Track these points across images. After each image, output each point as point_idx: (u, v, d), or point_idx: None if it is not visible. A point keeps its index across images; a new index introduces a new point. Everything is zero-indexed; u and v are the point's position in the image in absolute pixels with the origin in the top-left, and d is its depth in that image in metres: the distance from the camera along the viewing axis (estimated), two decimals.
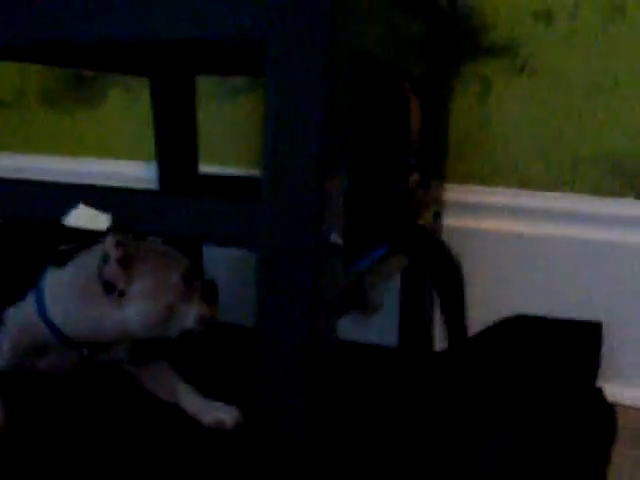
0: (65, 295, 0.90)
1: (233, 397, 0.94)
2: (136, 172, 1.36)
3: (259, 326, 0.65)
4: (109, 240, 0.81)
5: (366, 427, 0.92)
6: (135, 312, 0.86)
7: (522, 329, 1.14)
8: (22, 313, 0.92)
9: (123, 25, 0.66)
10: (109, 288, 0.85)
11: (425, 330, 1.13)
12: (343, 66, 0.62)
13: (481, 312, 1.18)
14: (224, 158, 1.34)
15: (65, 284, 0.90)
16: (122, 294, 0.85)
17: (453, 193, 1.17)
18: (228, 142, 1.34)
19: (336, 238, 0.63)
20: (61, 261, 0.90)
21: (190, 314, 0.88)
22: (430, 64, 0.99)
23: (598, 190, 1.14)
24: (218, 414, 0.90)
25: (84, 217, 0.71)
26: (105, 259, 0.82)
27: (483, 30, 1.15)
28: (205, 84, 1.30)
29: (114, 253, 0.82)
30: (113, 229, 0.86)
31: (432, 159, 1.04)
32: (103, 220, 0.71)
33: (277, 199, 0.62)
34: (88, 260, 0.86)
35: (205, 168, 1.30)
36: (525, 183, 1.17)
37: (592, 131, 1.14)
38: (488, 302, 1.18)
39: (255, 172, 1.30)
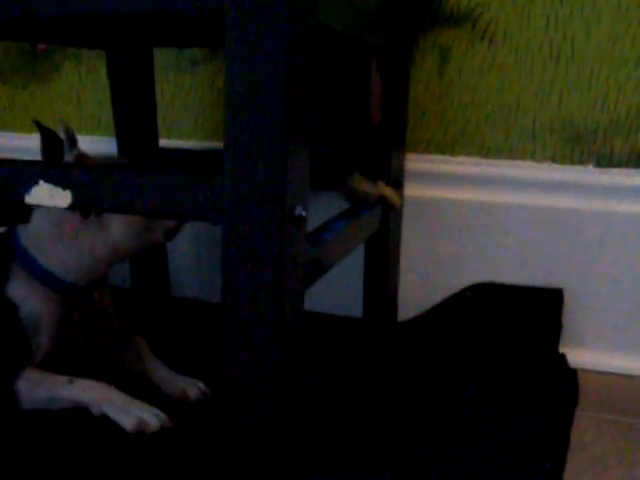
0: (48, 242, 0.92)
1: (201, 372, 0.95)
2: (95, 147, 1.34)
3: (225, 300, 0.65)
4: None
5: (330, 399, 0.93)
6: (117, 223, 0.90)
7: (484, 297, 1.16)
8: (22, 285, 0.92)
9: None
10: (86, 213, 0.89)
11: (389, 300, 1.14)
12: (303, 37, 0.62)
13: (443, 281, 1.19)
14: (183, 131, 1.33)
15: (43, 232, 0.92)
16: (99, 212, 0.89)
17: (414, 163, 1.17)
18: (187, 115, 1.32)
19: (300, 211, 0.63)
20: (25, 217, 0.92)
21: (159, 222, 0.93)
22: (390, 34, 0.98)
23: (558, 158, 1.15)
24: (183, 386, 0.92)
25: (45, 195, 0.70)
26: None
27: None
28: (163, 56, 1.29)
29: None
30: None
31: (393, 129, 1.04)
32: (64, 197, 0.70)
33: (240, 172, 0.61)
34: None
35: (164, 142, 1.29)
36: (486, 152, 1.18)
37: (552, 99, 1.14)
38: (450, 271, 1.19)
39: (214, 144, 1.30)
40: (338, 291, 1.22)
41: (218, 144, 1.30)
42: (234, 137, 0.61)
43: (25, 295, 0.92)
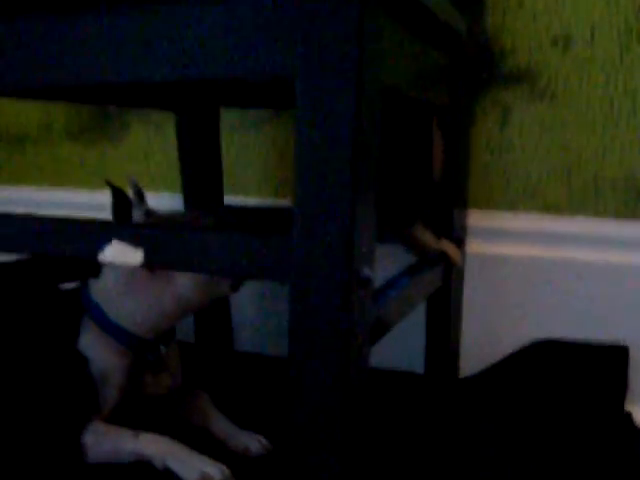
0: (117, 295, 0.94)
1: (263, 427, 0.96)
2: (162, 204, 1.37)
3: (292, 359, 0.66)
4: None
5: (394, 456, 0.93)
6: (184, 276, 0.92)
7: (548, 354, 1.14)
8: (93, 339, 0.95)
9: (157, 66, 0.68)
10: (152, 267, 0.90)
11: (451, 356, 1.14)
12: (370, 100, 0.63)
13: (506, 337, 1.19)
14: (247, 188, 1.36)
15: (113, 286, 0.95)
16: None
17: (476, 219, 1.18)
18: (250, 172, 1.35)
19: (367, 272, 0.64)
20: (96, 271, 0.95)
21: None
22: (451, 93, 1.00)
23: (620, 213, 1.15)
24: (245, 441, 0.92)
25: (117, 253, 0.73)
26: None
27: (502, 57, 1.17)
28: (228, 115, 1.32)
29: None
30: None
31: (455, 186, 1.05)
32: (135, 255, 0.72)
33: (308, 234, 0.63)
34: None
35: (229, 198, 1.32)
36: (547, 208, 1.18)
37: (613, 154, 1.14)
38: (513, 327, 1.19)
39: (278, 202, 1.32)
40: (400, 346, 1.22)
41: (281, 201, 1.32)
42: (302, 199, 0.63)
43: (95, 349, 0.94)
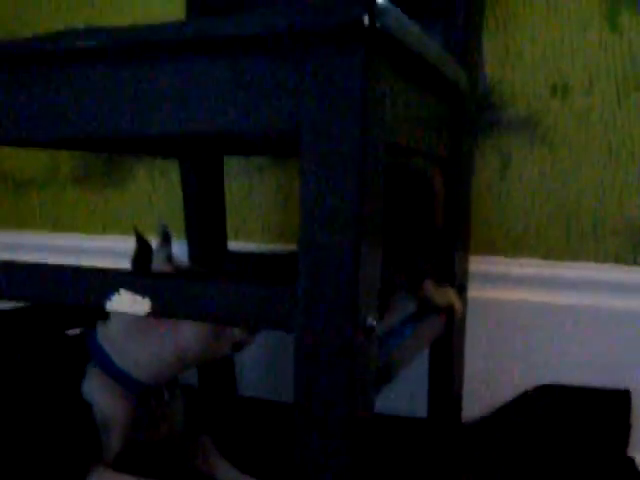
0: (123, 341, 0.95)
1: (269, 473, 0.96)
2: None
3: (297, 406, 0.67)
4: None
5: None
6: (189, 328, 0.92)
7: (550, 399, 1.15)
8: (97, 384, 0.95)
9: (162, 121, 0.69)
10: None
11: (454, 401, 1.14)
12: (374, 155, 0.65)
13: (507, 381, 1.19)
14: (249, 233, 1.37)
15: (119, 332, 0.95)
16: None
17: (477, 264, 1.19)
18: (253, 218, 1.36)
19: (372, 322, 0.65)
20: (104, 315, 0.96)
21: (231, 331, 0.95)
22: (452, 143, 1.02)
23: (621, 259, 1.16)
24: None
25: (125, 302, 0.74)
26: None
27: (502, 106, 1.19)
28: (231, 161, 1.34)
29: None
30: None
31: (456, 232, 1.06)
32: (143, 304, 0.73)
33: (313, 284, 0.64)
34: None
35: (232, 243, 1.33)
36: (548, 253, 1.19)
37: (612, 200, 1.16)
38: (514, 373, 1.19)
39: (281, 247, 1.33)
40: (402, 392, 1.23)
41: (283, 246, 1.34)
42: (307, 249, 0.64)
43: (99, 394, 0.94)
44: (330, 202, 0.63)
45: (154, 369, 0.95)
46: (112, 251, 1.39)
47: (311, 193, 0.63)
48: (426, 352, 1.11)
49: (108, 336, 0.97)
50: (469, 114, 1.06)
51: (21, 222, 1.56)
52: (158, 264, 0.96)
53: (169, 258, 0.97)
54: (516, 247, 1.20)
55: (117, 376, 0.95)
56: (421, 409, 1.15)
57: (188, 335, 0.93)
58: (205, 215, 1.23)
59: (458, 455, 1.07)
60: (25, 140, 0.78)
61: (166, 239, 0.98)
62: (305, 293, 0.64)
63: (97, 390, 0.94)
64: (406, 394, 1.23)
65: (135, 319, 0.94)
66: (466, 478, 0.99)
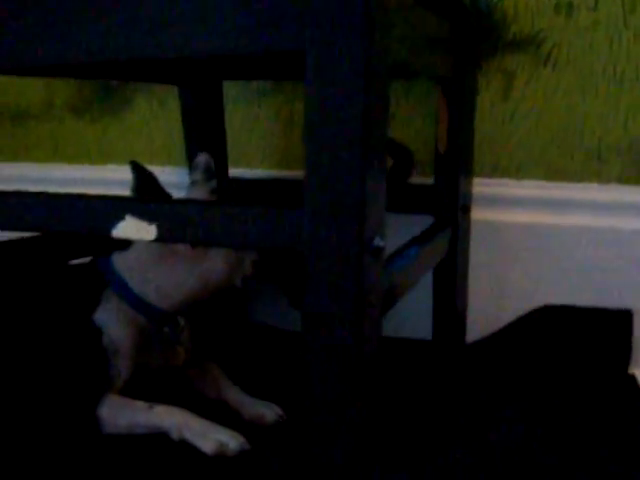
0: (146, 269, 0.96)
1: (276, 397, 0.97)
2: (167, 178, 1.37)
3: (305, 330, 0.67)
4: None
5: (404, 421, 0.94)
6: (219, 258, 0.95)
7: (552, 319, 1.16)
8: (111, 311, 0.96)
9: (165, 43, 0.68)
10: (194, 243, 0.93)
11: (458, 323, 1.15)
12: (379, 74, 0.64)
13: (510, 303, 1.20)
14: (249, 160, 1.36)
15: (142, 260, 0.96)
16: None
17: (480, 187, 1.18)
18: (254, 144, 1.35)
19: (379, 242, 0.65)
20: (124, 244, 0.96)
21: (247, 260, 0.97)
22: (455, 63, 1.00)
23: (624, 179, 1.15)
24: (260, 410, 0.94)
25: (131, 229, 0.73)
26: None
27: (504, 25, 1.17)
28: (230, 87, 1.32)
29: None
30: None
31: (459, 154, 1.05)
32: (149, 230, 0.73)
33: (320, 205, 0.64)
34: None
35: (232, 170, 1.32)
36: (551, 174, 1.19)
37: (617, 120, 1.15)
38: (517, 293, 1.20)
39: (281, 173, 1.32)
40: (407, 314, 1.23)
41: (284, 173, 1.33)
42: (313, 171, 0.64)
43: (111, 321, 0.95)
44: (335, 122, 0.62)
45: (175, 296, 0.96)
46: (111, 181, 1.38)
47: (316, 112, 0.63)
48: (430, 274, 1.12)
49: (126, 264, 0.97)
50: (472, 33, 1.04)
51: (19, 154, 1.55)
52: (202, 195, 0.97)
53: (213, 191, 0.97)
54: (519, 169, 1.20)
55: (135, 303, 0.96)
56: (426, 331, 1.16)
57: (216, 262, 0.94)
58: (206, 142, 1.22)
59: (461, 375, 1.08)
60: (22, 66, 0.77)
61: (209, 171, 0.98)
62: (312, 213, 0.64)
63: (109, 317, 0.95)
64: (410, 316, 1.23)
65: (159, 247, 0.95)
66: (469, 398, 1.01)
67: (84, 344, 0.94)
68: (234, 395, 0.98)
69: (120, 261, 0.98)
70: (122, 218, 0.74)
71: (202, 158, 0.99)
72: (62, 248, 1.12)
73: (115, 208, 0.74)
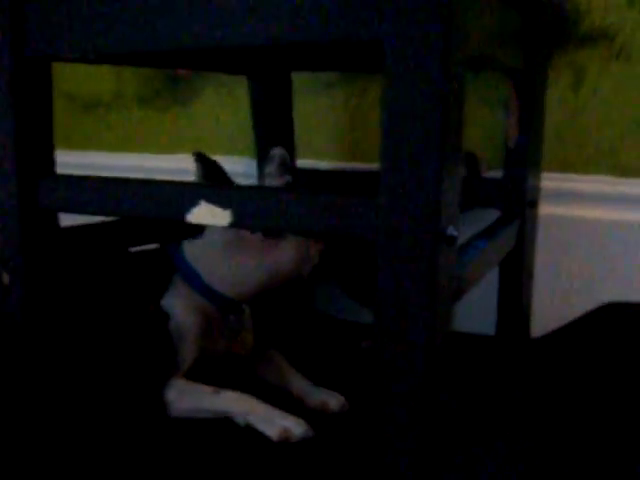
0: (216, 256, 0.98)
1: (339, 387, 0.98)
2: (234, 168, 1.39)
3: (379, 316, 0.67)
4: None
5: (469, 414, 0.94)
6: (289, 248, 0.96)
7: (620, 316, 1.14)
8: (178, 297, 0.98)
9: (241, 31, 0.69)
10: (268, 232, 0.96)
11: (523, 318, 1.14)
12: (457, 66, 0.64)
13: (576, 299, 1.19)
14: (317, 151, 1.37)
15: (213, 247, 0.98)
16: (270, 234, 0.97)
17: (548, 181, 1.17)
18: (321, 135, 1.36)
19: (452, 231, 0.65)
20: (196, 232, 0.98)
21: (315, 250, 0.99)
22: (526, 55, 1.00)
23: None
24: (323, 397, 0.94)
25: (206, 214, 0.75)
26: None
27: (576, 18, 1.15)
28: (298, 78, 1.33)
29: None
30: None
31: (529, 149, 1.05)
32: (224, 216, 0.74)
33: (396, 194, 0.64)
34: None
35: (299, 161, 1.33)
36: (620, 170, 1.17)
37: None
38: (583, 289, 1.19)
39: (347, 165, 1.33)
40: (470, 308, 1.23)
41: (350, 165, 1.33)
42: (390, 160, 0.64)
43: (177, 307, 0.97)
44: (413, 112, 0.62)
45: (244, 285, 0.98)
46: (180, 170, 1.40)
47: (393, 102, 0.63)
48: (495, 268, 1.11)
49: (197, 252, 0.99)
50: (543, 25, 1.03)
51: (88, 142, 1.58)
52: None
53: (288, 185, 0.99)
54: (589, 164, 1.19)
55: (203, 290, 0.98)
56: (487, 326, 1.16)
57: (287, 252, 0.96)
58: (274, 133, 1.24)
59: (526, 371, 1.08)
60: (91, 54, 0.79)
61: (284, 165, 0.99)
62: (388, 202, 0.64)
63: (177, 303, 0.97)
64: (474, 310, 1.23)
65: (230, 237, 0.97)
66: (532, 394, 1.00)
67: (152, 328, 0.95)
68: (298, 383, 0.99)
69: (190, 249, 0.99)
70: (197, 203, 0.75)
71: (278, 151, 0.99)
72: (133, 233, 1.14)
73: (190, 194, 0.76)
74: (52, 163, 0.88)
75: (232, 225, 0.74)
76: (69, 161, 1.55)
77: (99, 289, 1.01)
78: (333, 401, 0.95)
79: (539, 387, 1.02)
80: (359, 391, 0.97)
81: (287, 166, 0.99)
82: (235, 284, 0.98)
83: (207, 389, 0.92)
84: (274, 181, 0.98)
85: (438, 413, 0.71)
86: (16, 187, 0.85)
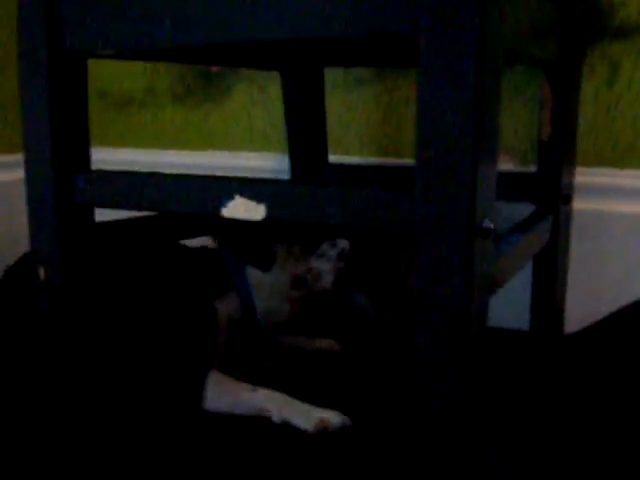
0: (271, 296, 1.05)
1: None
2: (265, 164, 1.40)
3: (415, 308, 0.67)
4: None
5: (504, 409, 0.94)
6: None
7: None
8: (229, 306, 1.03)
9: (276, 25, 0.69)
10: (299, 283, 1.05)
11: (557, 313, 1.14)
12: (491, 59, 0.64)
13: (610, 294, 1.18)
14: (348, 147, 1.37)
15: (274, 287, 1.05)
16: None
17: (582, 176, 1.16)
18: (352, 132, 1.36)
19: (488, 223, 0.65)
20: (266, 266, 1.04)
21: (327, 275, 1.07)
22: (560, 48, 0.99)
23: None
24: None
25: (240, 208, 0.75)
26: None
27: (611, 11, 1.14)
28: (330, 74, 1.34)
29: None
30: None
31: (563, 143, 1.04)
32: (258, 210, 0.74)
33: (432, 187, 0.64)
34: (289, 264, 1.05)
35: (331, 157, 1.33)
36: None
37: None
38: (617, 284, 1.18)
39: (379, 161, 1.33)
40: (504, 304, 1.22)
41: (382, 160, 1.33)
42: (426, 154, 0.64)
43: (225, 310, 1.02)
44: (448, 105, 0.62)
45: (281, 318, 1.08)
46: (212, 166, 1.41)
47: (429, 95, 0.63)
48: (529, 263, 1.11)
49: (260, 283, 1.04)
50: (578, 18, 1.02)
51: (121, 140, 1.60)
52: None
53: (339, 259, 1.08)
54: (624, 158, 1.17)
55: (250, 316, 1.05)
56: (522, 322, 1.15)
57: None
58: (307, 129, 1.24)
59: (561, 367, 1.07)
60: (124, 50, 0.79)
61: (343, 254, 1.08)
62: (424, 194, 0.64)
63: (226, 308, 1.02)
64: (508, 306, 1.22)
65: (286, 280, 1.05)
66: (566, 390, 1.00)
67: (201, 324, 0.98)
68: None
69: (254, 276, 1.04)
70: (232, 198, 0.76)
71: (344, 243, 1.07)
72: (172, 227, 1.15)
73: (225, 188, 0.76)
74: (87, 159, 0.89)
75: (267, 219, 0.74)
76: (103, 158, 1.57)
77: (146, 282, 1.02)
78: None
79: (573, 384, 1.01)
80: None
81: (345, 256, 1.06)
82: (275, 317, 1.07)
83: (245, 385, 0.93)
84: (328, 263, 1.06)
85: (474, 407, 0.71)
86: (52, 182, 0.86)
